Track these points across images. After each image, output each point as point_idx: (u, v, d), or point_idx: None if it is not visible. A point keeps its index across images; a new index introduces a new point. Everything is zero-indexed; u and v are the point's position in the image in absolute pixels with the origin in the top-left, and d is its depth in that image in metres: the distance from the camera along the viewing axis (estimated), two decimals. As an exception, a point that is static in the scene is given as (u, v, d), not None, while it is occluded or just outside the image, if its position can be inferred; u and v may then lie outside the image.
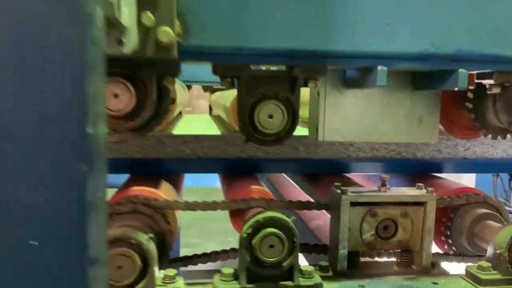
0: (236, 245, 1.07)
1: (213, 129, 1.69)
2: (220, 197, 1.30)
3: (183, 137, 1.27)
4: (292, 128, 0.93)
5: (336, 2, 0.86)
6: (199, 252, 1.11)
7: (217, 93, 2.74)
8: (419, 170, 1.47)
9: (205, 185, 4.37)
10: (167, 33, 0.77)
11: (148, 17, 0.75)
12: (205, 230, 4.97)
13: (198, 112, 5.22)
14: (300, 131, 1.21)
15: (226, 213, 1.23)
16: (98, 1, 0.51)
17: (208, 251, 1.10)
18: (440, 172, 1.49)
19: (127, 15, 0.74)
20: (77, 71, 0.47)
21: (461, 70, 0.92)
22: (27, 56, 0.44)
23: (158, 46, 0.78)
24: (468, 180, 4.89)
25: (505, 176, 3.91)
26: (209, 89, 3.19)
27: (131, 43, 0.76)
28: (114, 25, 0.71)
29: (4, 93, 0.44)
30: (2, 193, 0.45)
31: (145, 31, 0.76)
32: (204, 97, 4.92)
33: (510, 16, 0.89)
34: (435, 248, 1.16)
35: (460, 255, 1.17)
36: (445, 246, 1.22)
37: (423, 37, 0.89)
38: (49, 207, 0.46)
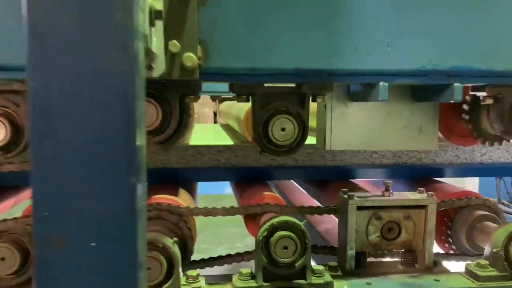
0: (243, 249, 1.16)
1: (226, 139, 1.78)
2: (230, 203, 1.39)
3: (217, 147, 1.38)
4: (303, 139, 1.02)
5: (341, 24, 0.95)
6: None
7: (226, 103, 2.84)
8: (439, 175, 1.61)
9: (213, 192, 4.46)
10: (191, 58, 0.86)
11: (175, 45, 0.85)
12: (214, 236, 5.04)
13: (203, 118, 5.32)
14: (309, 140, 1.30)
15: (233, 219, 1.32)
16: (141, 39, 0.60)
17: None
18: (460, 176, 1.62)
19: (156, 43, 0.84)
20: (129, 97, 0.56)
21: (456, 84, 1.01)
22: (89, 87, 0.54)
23: (183, 70, 0.87)
24: (471, 183, 4.98)
25: (508, 179, 3.97)
26: (217, 98, 3.29)
27: (159, 68, 0.85)
28: (146, 53, 0.80)
29: (71, 120, 0.53)
30: (69, 203, 0.54)
31: (171, 57, 0.86)
32: (208, 104, 5.03)
33: (499, 36, 0.98)
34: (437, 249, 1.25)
35: (460, 255, 1.25)
36: (446, 246, 1.30)
37: (420, 55, 0.98)
38: (107, 215, 0.55)
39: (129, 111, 0.55)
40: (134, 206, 0.56)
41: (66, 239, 0.55)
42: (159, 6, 0.77)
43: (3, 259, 0.94)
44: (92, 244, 0.56)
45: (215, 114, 4.70)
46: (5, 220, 0.99)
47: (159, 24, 0.82)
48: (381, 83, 0.98)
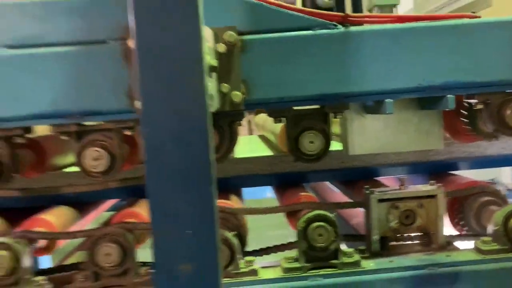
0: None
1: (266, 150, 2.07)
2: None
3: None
4: (327, 148, 1.29)
5: (351, 56, 1.22)
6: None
7: (261, 116, 3.12)
8: (489, 165, 1.86)
9: (255, 197, 4.73)
10: (237, 95, 1.15)
11: (225, 87, 1.14)
12: (256, 240, 5.30)
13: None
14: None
15: (275, 223, 1.57)
16: (208, 93, 0.89)
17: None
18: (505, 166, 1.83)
19: (212, 87, 1.13)
20: (205, 133, 0.85)
21: (449, 96, 1.25)
22: (182, 129, 0.83)
23: (231, 104, 1.16)
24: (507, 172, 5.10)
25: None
26: (252, 111, 3.59)
27: (214, 105, 1.14)
28: (206, 96, 1.10)
29: (171, 149, 0.83)
30: (173, 204, 0.83)
31: (223, 96, 1.15)
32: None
33: (481, 54, 1.22)
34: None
35: (469, 235, 1.48)
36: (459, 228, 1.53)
37: (416, 75, 1.23)
38: (197, 212, 0.84)
39: (207, 141, 0.85)
40: (213, 205, 0.85)
41: (172, 228, 0.84)
42: (214, 62, 1.06)
43: (108, 254, 1.25)
44: (188, 231, 0.85)
45: (248, 122, 4.98)
46: (106, 225, 1.31)
47: (214, 73, 1.11)
48: (387, 100, 1.24)
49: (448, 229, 1.50)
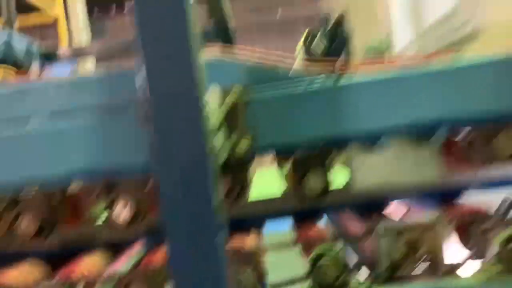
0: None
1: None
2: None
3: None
4: (328, 187, 1.41)
5: (346, 103, 1.35)
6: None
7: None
8: None
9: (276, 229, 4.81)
10: (245, 143, 1.30)
11: (233, 137, 1.29)
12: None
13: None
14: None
15: None
16: (212, 148, 1.04)
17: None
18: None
19: (220, 140, 1.28)
20: (211, 183, 1.00)
21: (439, 131, 1.36)
22: (188, 182, 0.98)
23: (239, 152, 1.31)
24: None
25: None
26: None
27: (223, 155, 1.29)
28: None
29: (186, 199, 0.98)
30: (182, 250, 0.97)
31: (231, 146, 1.30)
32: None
33: (466, 92, 1.33)
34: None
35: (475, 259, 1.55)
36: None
37: (408, 115, 1.34)
38: (206, 256, 0.98)
39: (213, 190, 0.99)
40: (221, 249, 0.99)
41: (187, 269, 0.98)
42: (221, 119, 1.22)
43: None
44: (201, 273, 0.98)
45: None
46: (136, 267, 1.46)
47: (222, 128, 1.27)
48: (382, 138, 1.37)
49: (457, 250, 1.58)
